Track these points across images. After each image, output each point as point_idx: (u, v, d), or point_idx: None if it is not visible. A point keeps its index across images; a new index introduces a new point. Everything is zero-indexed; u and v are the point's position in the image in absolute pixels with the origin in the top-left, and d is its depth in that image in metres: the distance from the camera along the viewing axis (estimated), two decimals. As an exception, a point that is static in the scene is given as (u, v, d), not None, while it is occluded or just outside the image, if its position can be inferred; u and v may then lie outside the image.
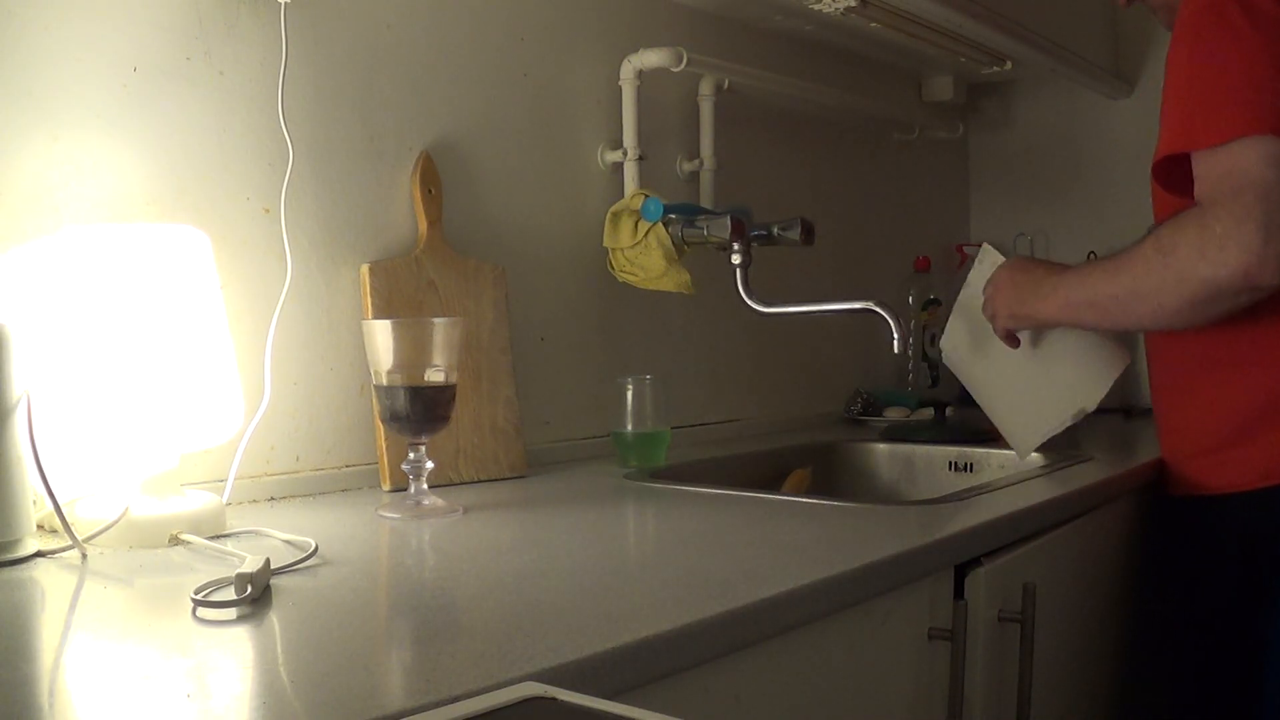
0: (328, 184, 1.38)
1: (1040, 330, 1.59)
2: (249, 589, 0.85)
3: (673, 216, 1.66)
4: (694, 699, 0.82)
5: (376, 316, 1.37)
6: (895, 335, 1.58)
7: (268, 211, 1.32)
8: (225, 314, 1.19)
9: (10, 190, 1.11)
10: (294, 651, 0.77)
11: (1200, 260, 1.28)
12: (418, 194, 1.46)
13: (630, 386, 1.59)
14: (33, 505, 1.03)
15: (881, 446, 1.90)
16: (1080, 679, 1.45)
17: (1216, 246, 1.26)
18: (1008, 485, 1.44)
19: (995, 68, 2.28)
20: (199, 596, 0.85)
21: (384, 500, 1.31)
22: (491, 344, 1.50)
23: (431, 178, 1.47)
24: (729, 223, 1.64)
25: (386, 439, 1.38)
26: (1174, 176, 1.37)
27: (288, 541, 1.06)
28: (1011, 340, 1.59)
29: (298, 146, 1.33)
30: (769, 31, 2.06)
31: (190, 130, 1.25)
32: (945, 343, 1.75)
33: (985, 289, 1.60)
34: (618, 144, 1.75)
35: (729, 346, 1.99)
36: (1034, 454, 1.73)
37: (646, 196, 1.66)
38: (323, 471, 1.37)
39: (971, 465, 1.80)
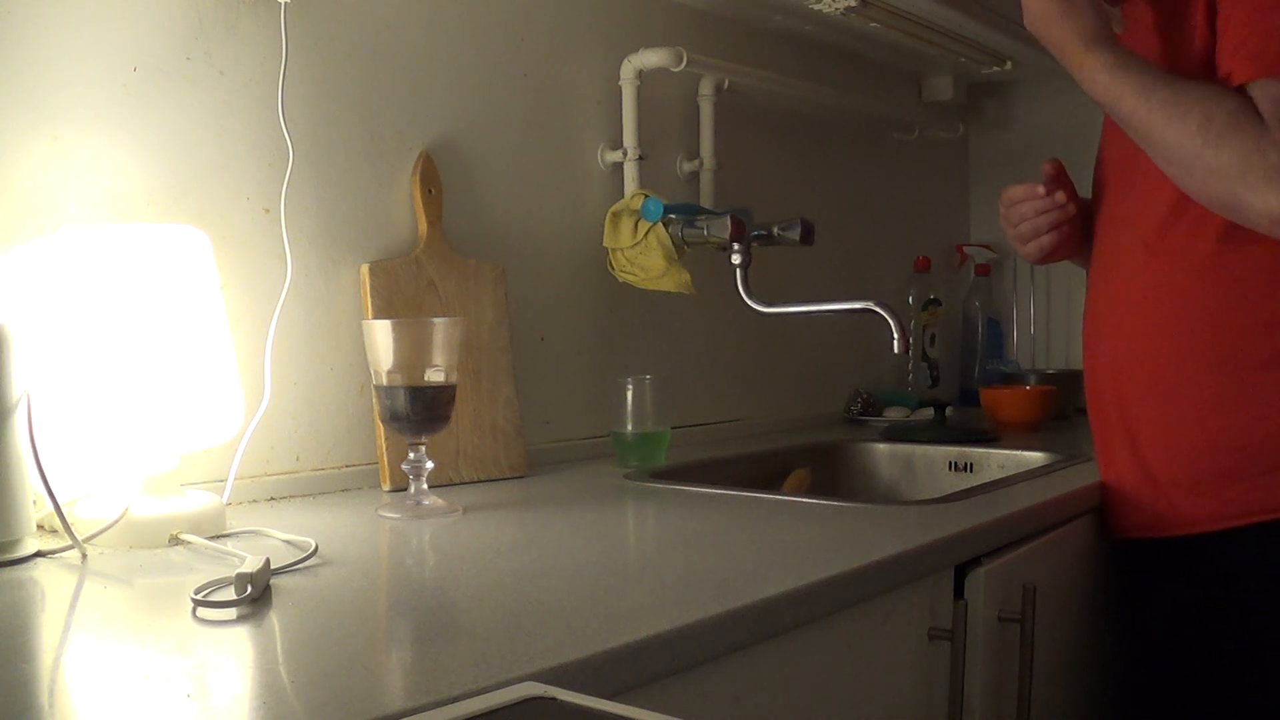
0: (328, 184, 1.38)
1: None
2: (249, 589, 0.85)
3: (673, 216, 1.66)
4: (694, 699, 0.82)
5: (376, 316, 1.37)
6: (895, 335, 1.58)
7: (268, 211, 1.32)
8: (225, 314, 1.19)
9: (10, 190, 1.11)
10: (294, 651, 0.77)
11: (1239, 180, 1.18)
12: (418, 194, 1.46)
13: (630, 386, 1.59)
14: (33, 505, 1.03)
15: (881, 446, 1.90)
16: (1080, 679, 1.45)
17: (1262, 176, 1.16)
18: (1008, 485, 1.44)
19: (995, 68, 2.29)
20: (199, 596, 0.85)
21: (384, 500, 1.31)
22: (491, 344, 1.50)
23: (431, 178, 1.47)
24: (729, 223, 1.64)
25: (386, 439, 1.38)
26: None
27: (288, 541, 1.06)
28: None
29: (298, 146, 1.33)
30: (769, 31, 2.06)
31: (190, 130, 1.25)
32: None
33: None
34: (618, 144, 1.75)
35: (729, 346, 1.99)
36: (1034, 454, 1.73)
37: (646, 196, 1.66)
38: (323, 471, 1.37)
39: (971, 465, 1.80)
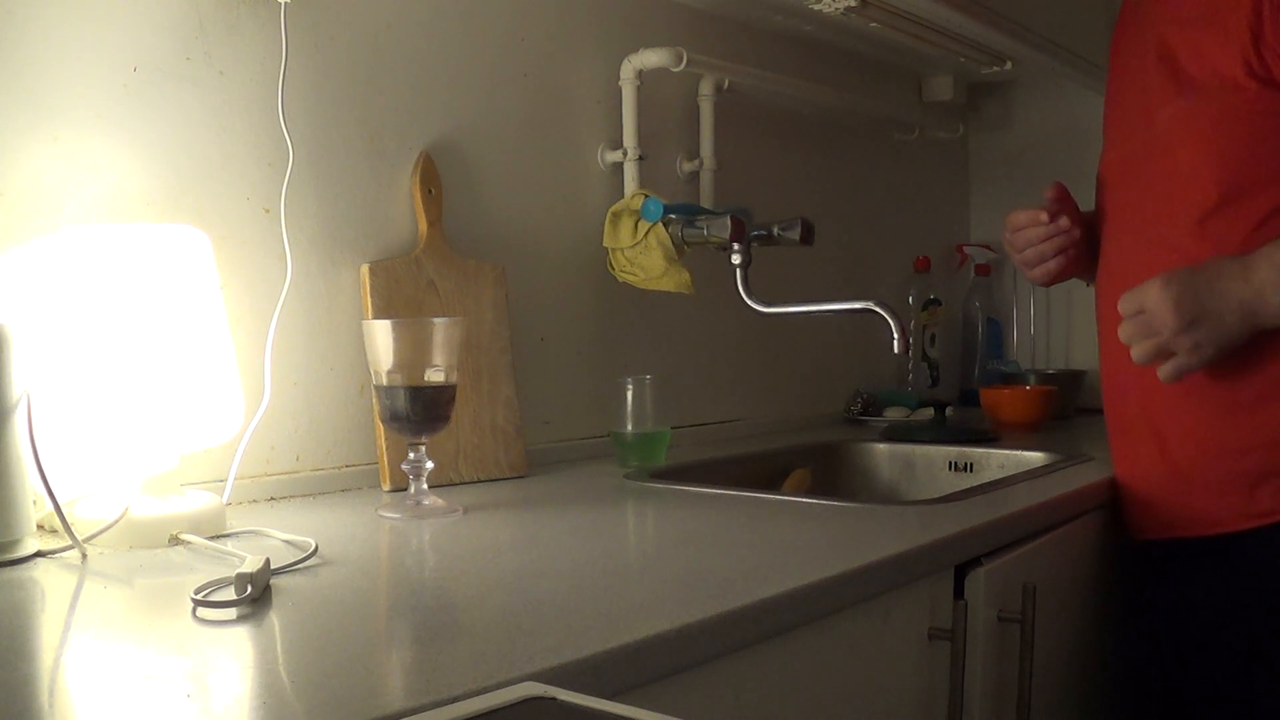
0: (328, 184, 1.38)
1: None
2: (249, 589, 0.85)
3: (673, 216, 1.66)
4: (694, 699, 0.82)
5: (376, 316, 1.37)
6: (895, 335, 1.58)
7: (268, 211, 1.32)
8: (225, 314, 1.19)
9: (10, 190, 1.11)
10: (294, 651, 0.77)
11: None
12: (418, 194, 1.46)
13: (630, 386, 1.59)
14: (33, 505, 1.03)
15: (881, 446, 1.90)
16: (1080, 679, 1.45)
17: None
18: (1008, 485, 1.44)
19: (995, 68, 2.29)
20: (199, 596, 0.85)
21: (384, 500, 1.31)
22: (491, 344, 1.50)
23: (431, 178, 1.47)
24: (729, 223, 1.64)
25: (386, 439, 1.38)
26: None
27: (288, 541, 1.06)
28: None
29: (298, 146, 1.33)
30: (769, 31, 2.06)
31: (190, 130, 1.25)
32: None
33: (1133, 318, 1.31)
34: (618, 144, 1.75)
35: (729, 346, 1.99)
36: (1034, 454, 1.74)
37: (646, 196, 1.66)
38: (323, 471, 1.37)
39: (971, 465, 1.80)
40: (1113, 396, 1.49)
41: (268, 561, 0.90)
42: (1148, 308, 1.29)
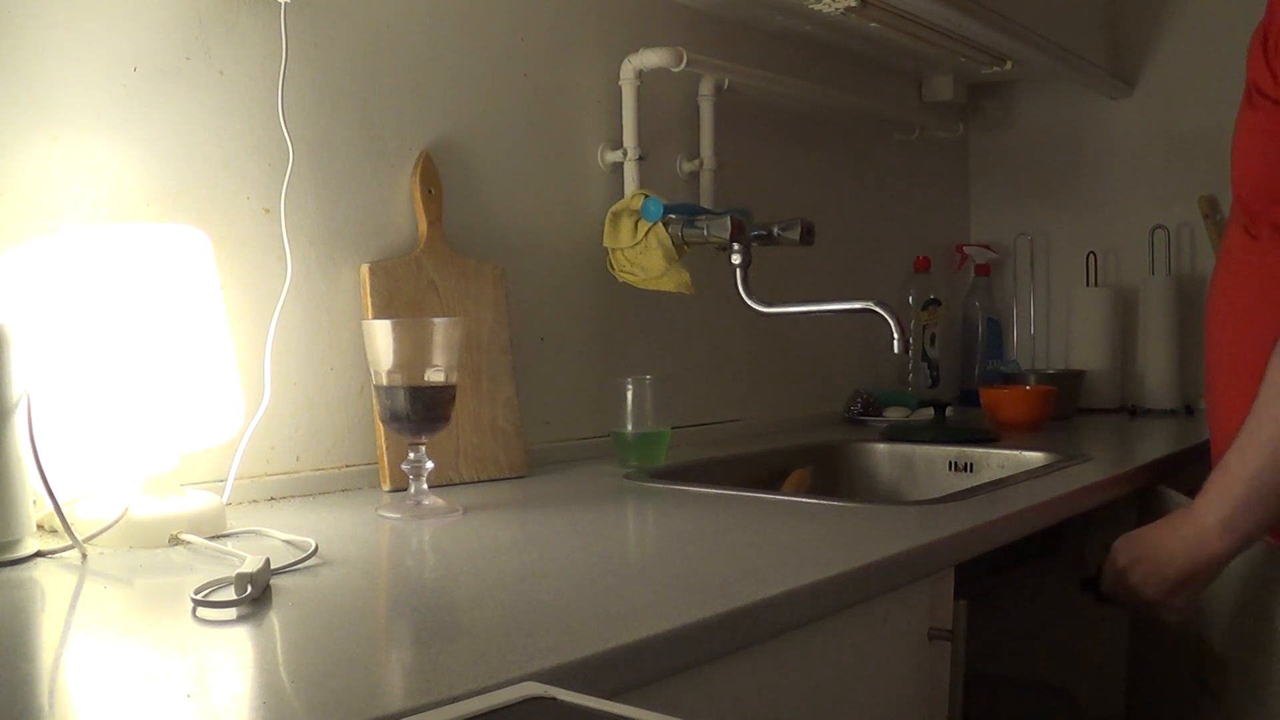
0: (328, 184, 1.38)
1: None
2: (249, 589, 0.85)
3: (673, 216, 1.66)
4: (694, 699, 0.82)
5: (377, 316, 1.37)
6: (895, 335, 1.58)
7: (268, 211, 1.32)
8: (225, 314, 1.19)
9: (10, 190, 1.11)
10: (294, 651, 0.77)
11: None
12: (418, 194, 1.46)
13: (630, 386, 1.59)
14: (33, 505, 1.03)
15: (881, 446, 1.90)
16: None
17: None
18: (1008, 485, 1.44)
19: (995, 68, 2.29)
20: (199, 596, 0.85)
21: (384, 500, 1.31)
22: (491, 344, 1.50)
23: (431, 178, 1.47)
24: (729, 223, 1.64)
25: (386, 439, 1.38)
26: None
27: (288, 541, 1.06)
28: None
29: (298, 146, 1.33)
30: (769, 31, 2.06)
31: (190, 130, 1.25)
32: None
33: (1109, 576, 1.32)
34: (618, 144, 1.75)
35: (729, 346, 1.99)
36: (1034, 454, 1.74)
37: (646, 196, 1.66)
38: (323, 471, 1.37)
39: (971, 465, 1.80)
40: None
41: (268, 561, 0.90)
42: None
